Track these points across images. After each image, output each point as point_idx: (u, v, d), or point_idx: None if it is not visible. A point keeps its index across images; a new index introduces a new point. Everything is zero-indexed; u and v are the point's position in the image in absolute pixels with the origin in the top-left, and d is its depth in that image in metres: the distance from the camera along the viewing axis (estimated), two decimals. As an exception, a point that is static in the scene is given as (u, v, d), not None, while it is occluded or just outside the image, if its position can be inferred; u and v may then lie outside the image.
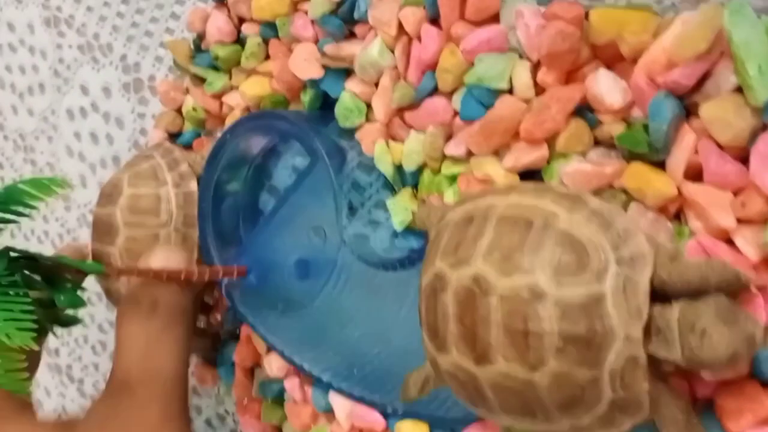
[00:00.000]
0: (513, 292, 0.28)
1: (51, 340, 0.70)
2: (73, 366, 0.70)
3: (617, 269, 0.27)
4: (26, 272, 0.36)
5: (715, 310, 0.26)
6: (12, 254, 0.36)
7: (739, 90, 0.28)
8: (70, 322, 0.37)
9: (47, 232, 0.70)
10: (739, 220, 0.29)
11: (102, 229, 0.45)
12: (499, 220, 0.30)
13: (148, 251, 0.40)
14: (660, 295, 0.28)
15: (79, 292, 0.38)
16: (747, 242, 0.28)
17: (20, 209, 0.35)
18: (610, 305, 0.27)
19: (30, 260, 0.36)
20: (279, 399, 0.47)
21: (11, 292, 0.33)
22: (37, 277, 0.37)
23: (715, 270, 0.27)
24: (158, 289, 0.39)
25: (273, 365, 0.46)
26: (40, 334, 0.34)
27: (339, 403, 0.42)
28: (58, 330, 0.40)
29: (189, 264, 0.41)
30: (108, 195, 0.46)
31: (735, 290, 0.28)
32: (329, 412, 0.43)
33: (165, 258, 0.39)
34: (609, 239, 0.28)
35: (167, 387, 0.36)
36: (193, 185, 0.45)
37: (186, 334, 0.39)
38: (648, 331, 0.27)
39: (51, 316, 0.37)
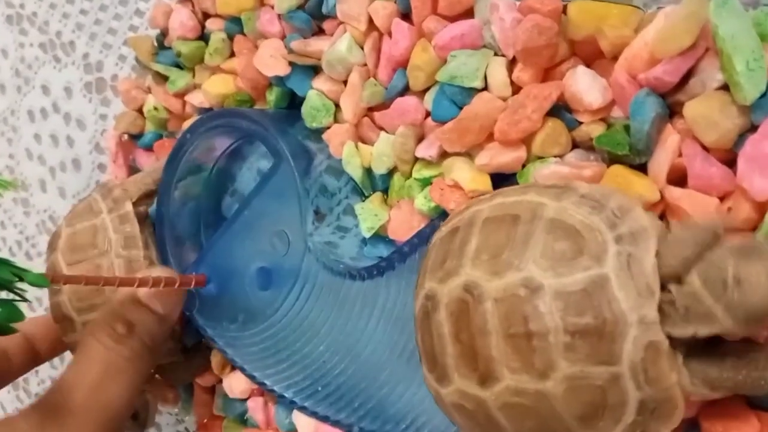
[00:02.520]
0: (507, 292, 0.25)
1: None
2: (30, 380, 0.67)
3: (618, 248, 0.25)
4: None
5: (731, 254, 0.24)
6: None
7: (725, 88, 0.26)
8: (5, 330, 0.35)
9: (5, 238, 0.67)
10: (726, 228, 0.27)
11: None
12: (484, 223, 0.28)
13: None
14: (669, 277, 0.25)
15: (20, 304, 0.35)
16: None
17: None
18: (616, 287, 0.24)
19: None
20: (242, 417, 0.44)
21: None
22: None
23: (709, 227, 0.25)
24: (139, 314, 0.37)
25: (234, 383, 0.43)
26: None
27: (303, 422, 0.40)
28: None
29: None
30: (50, 244, 0.44)
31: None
32: None
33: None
34: (604, 219, 0.25)
35: (108, 423, 0.34)
36: (127, 206, 0.42)
37: (146, 372, 0.37)
38: (664, 312, 0.24)
39: None
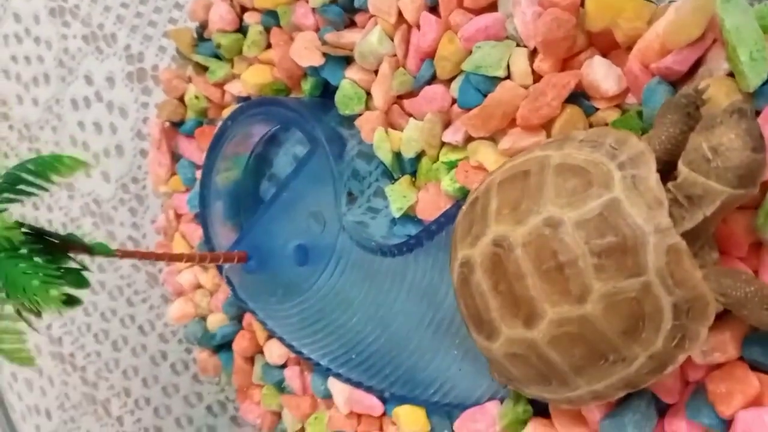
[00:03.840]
0: (533, 234, 0.28)
1: (54, 329, 0.71)
2: (75, 354, 0.71)
3: (622, 173, 0.27)
4: (33, 247, 0.37)
5: (698, 134, 0.26)
6: (24, 228, 0.36)
7: (731, 76, 0.28)
8: (73, 301, 0.38)
9: (51, 220, 0.71)
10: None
11: None
12: (499, 185, 0.30)
13: None
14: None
15: (84, 273, 0.38)
16: (738, 226, 0.29)
17: (42, 182, 0.36)
18: (628, 205, 0.27)
19: (39, 233, 0.37)
20: (280, 385, 0.47)
21: (38, 259, 0.34)
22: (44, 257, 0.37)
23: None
24: None
25: (273, 352, 0.46)
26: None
27: (338, 388, 0.43)
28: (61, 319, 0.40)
29: None
30: None
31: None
32: (328, 398, 0.44)
33: None
34: (604, 153, 0.28)
35: None
36: None
37: None
38: (674, 217, 0.27)
39: None
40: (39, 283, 0.33)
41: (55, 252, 0.38)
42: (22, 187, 0.37)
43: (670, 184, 0.27)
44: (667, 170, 0.28)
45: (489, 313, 0.30)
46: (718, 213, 0.27)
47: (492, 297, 0.30)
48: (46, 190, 0.37)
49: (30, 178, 0.36)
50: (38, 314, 0.35)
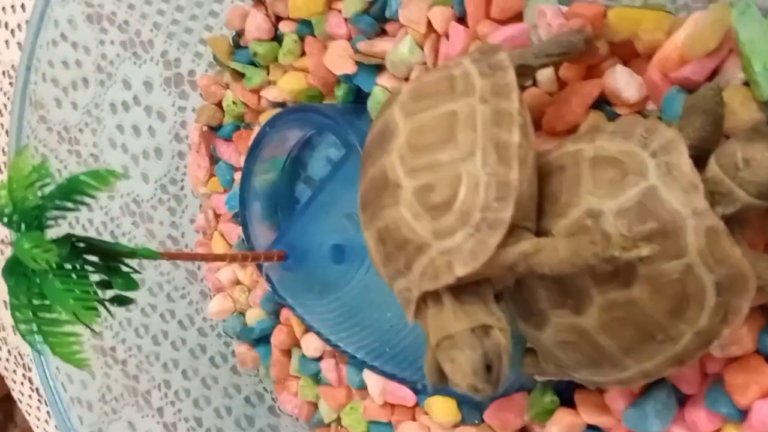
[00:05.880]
0: (575, 227, 0.29)
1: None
2: (116, 348, 0.74)
3: (655, 161, 0.28)
4: (86, 257, 0.39)
5: (738, 140, 0.28)
6: (74, 240, 0.39)
7: (746, 85, 0.30)
8: (125, 301, 0.40)
9: (91, 220, 0.74)
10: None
11: None
12: (540, 180, 0.32)
13: None
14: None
15: (134, 275, 0.41)
16: (755, 227, 0.31)
17: (81, 198, 0.38)
18: (664, 192, 0.28)
19: (89, 245, 0.39)
20: (316, 376, 0.50)
21: (74, 276, 0.36)
22: (95, 260, 0.40)
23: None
24: None
25: (310, 346, 0.49)
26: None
27: (372, 379, 0.45)
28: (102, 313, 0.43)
29: None
30: None
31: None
32: (363, 389, 0.46)
33: None
34: (636, 143, 0.29)
35: None
36: None
37: None
38: (712, 201, 0.28)
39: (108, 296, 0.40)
40: (74, 301, 0.35)
41: (106, 258, 0.41)
42: (69, 202, 0.39)
43: (708, 172, 0.29)
44: (698, 157, 0.29)
45: (537, 304, 0.32)
46: (737, 213, 0.28)
47: (540, 288, 0.31)
48: (94, 197, 0.40)
49: (84, 189, 0.39)
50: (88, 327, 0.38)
